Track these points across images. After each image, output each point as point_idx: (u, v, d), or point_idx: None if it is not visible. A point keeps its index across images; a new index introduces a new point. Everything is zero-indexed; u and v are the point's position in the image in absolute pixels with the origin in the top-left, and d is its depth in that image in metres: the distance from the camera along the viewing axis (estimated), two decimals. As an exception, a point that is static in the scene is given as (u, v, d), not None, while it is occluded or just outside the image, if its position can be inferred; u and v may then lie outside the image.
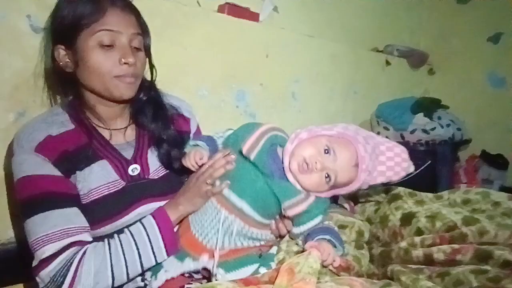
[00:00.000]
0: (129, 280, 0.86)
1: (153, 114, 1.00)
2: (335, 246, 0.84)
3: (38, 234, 0.79)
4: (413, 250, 0.94)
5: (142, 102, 1.01)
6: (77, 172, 0.87)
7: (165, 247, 0.85)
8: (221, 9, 1.57)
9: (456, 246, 0.88)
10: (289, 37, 1.85)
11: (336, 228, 0.91)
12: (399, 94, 2.41)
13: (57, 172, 0.84)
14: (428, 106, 2.16)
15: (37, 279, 0.79)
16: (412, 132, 2.15)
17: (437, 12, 2.74)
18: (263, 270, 0.83)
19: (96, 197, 0.88)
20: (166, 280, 0.87)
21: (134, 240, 0.83)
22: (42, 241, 0.78)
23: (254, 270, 0.86)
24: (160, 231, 0.85)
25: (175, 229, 0.91)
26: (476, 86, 2.55)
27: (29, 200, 0.82)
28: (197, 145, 0.93)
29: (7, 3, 1.03)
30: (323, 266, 0.81)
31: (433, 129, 2.13)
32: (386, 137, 2.20)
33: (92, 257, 0.80)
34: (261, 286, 0.67)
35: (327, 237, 0.83)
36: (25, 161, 0.84)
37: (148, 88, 1.02)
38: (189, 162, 0.89)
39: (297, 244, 0.91)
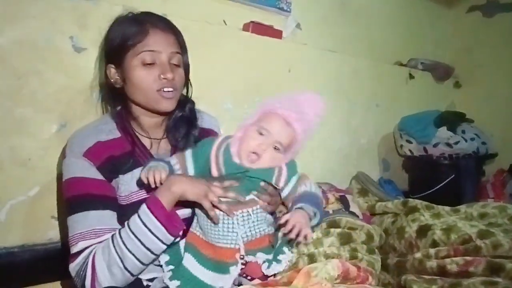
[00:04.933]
0: (152, 262, 0.92)
1: (186, 132, 1.07)
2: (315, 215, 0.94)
3: (75, 231, 0.90)
4: (427, 261, 0.96)
5: (177, 119, 1.08)
6: (120, 175, 0.97)
7: (164, 227, 0.88)
8: (246, 27, 1.65)
9: (469, 258, 0.90)
10: (312, 53, 1.90)
11: (319, 193, 1.02)
12: (424, 107, 2.38)
13: (100, 176, 0.94)
14: (452, 119, 2.15)
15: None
16: (435, 145, 2.14)
17: (462, 25, 2.73)
18: (275, 265, 0.89)
19: (136, 199, 0.96)
20: None
21: (131, 230, 0.87)
22: (77, 238, 0.89)
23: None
24: (154, 214, 0.87)
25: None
26: (503, 100, 2.52)
27: (73, 199, 0.93)
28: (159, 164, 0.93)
29: (52, 26, 1.14)
30: (289, 240, 0.90)
31: (456, 143, 2.11)
32: (409, 150, 2.24)
33: (100, 253, 0.87)
34: (278, 287, 0.72)
35: (300, 205, 0.93)
36: (73, 164, 0.94)
37: (183, 104, 1.09)
38: (151, 178, 0.89)
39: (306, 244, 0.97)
